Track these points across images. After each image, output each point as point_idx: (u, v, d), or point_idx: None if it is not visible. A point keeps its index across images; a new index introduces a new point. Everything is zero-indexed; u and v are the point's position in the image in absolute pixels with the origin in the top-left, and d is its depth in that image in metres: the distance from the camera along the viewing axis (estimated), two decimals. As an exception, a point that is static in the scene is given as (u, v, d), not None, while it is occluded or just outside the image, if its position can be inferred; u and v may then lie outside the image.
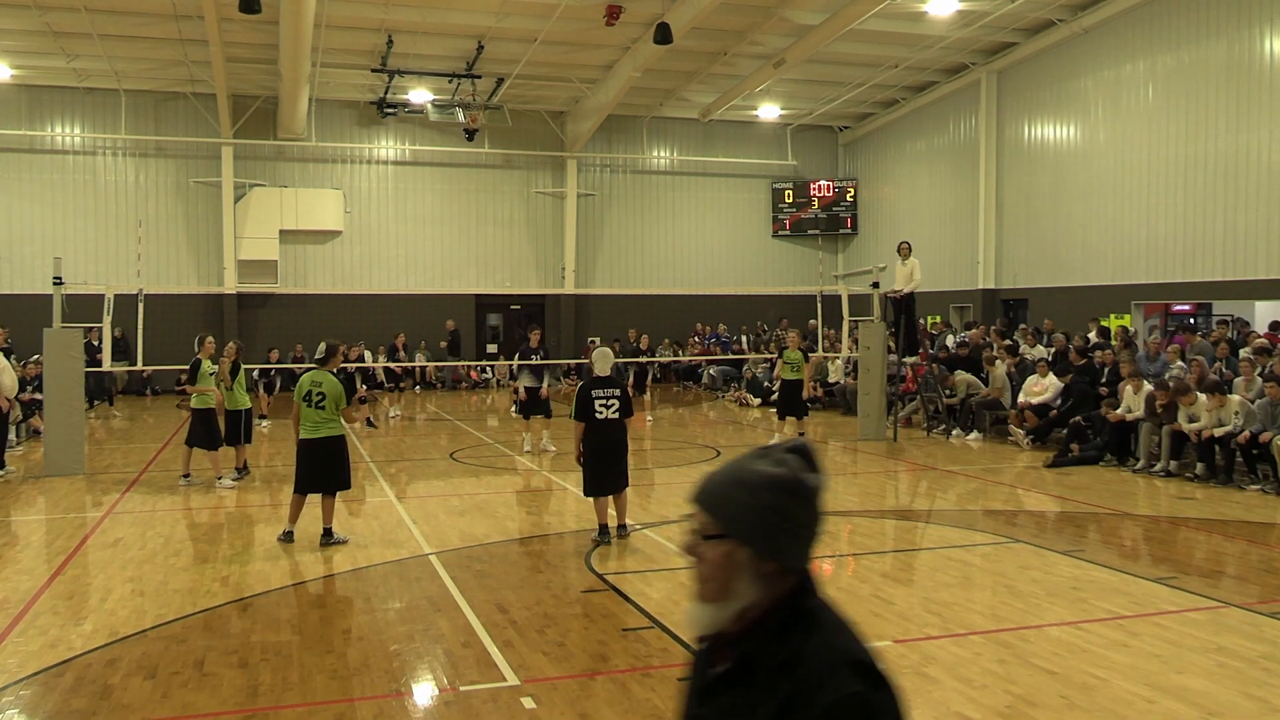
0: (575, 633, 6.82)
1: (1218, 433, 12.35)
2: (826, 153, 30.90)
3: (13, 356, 17.12)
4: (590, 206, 29.00)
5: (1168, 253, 19.06)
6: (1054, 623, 6.88)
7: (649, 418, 20.57)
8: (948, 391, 17.65)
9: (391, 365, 22.38)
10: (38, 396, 15.90)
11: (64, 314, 13.90)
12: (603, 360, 9.40)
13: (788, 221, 30.22)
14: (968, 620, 6.98)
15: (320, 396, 9.17)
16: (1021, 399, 16.23)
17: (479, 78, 23.50)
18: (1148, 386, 13.72)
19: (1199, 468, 12.64)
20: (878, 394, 16.90)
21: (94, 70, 23.51)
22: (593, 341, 27.95)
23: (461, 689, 5.80)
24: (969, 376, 17.50)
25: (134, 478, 13.35)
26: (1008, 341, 18.80)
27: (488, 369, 27.69)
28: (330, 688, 5.84)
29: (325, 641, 6.69)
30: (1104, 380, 15.32)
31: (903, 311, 17.32)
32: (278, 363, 23.22)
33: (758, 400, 22.49)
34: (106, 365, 16.62)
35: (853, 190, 30.01)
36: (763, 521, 1.81)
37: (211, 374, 12.71)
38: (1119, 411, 13.95)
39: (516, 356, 16.24)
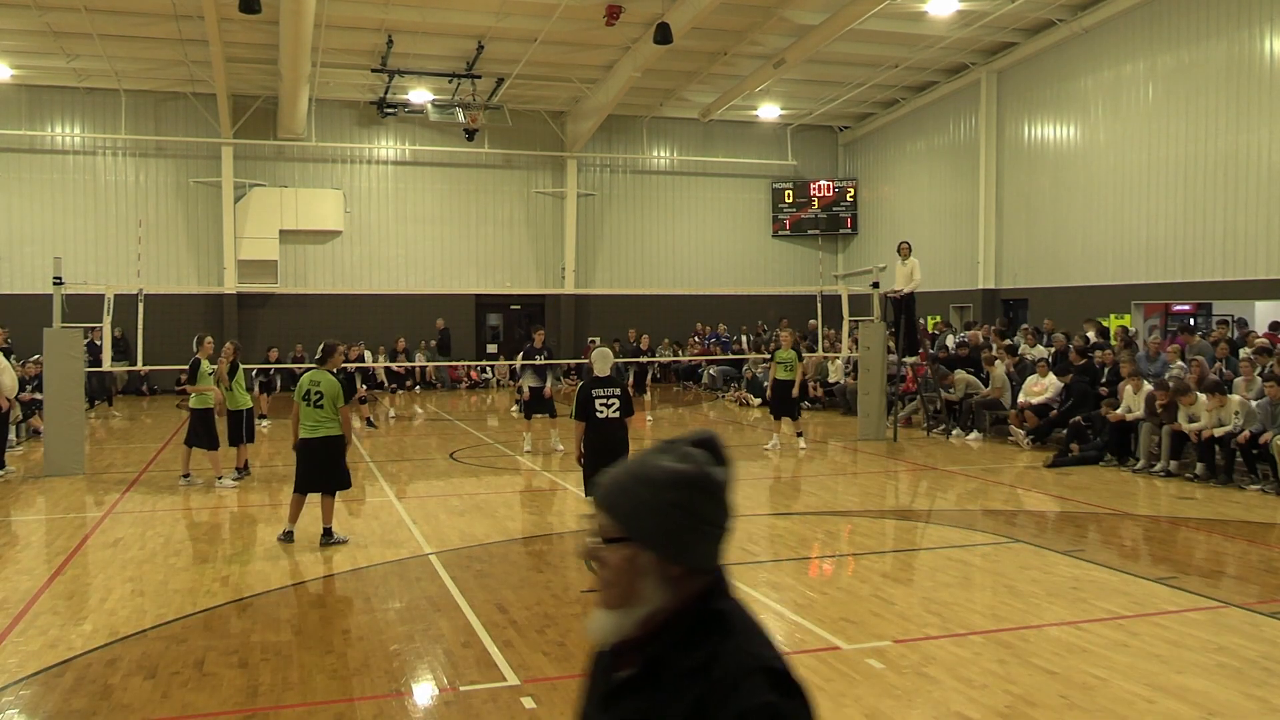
0: (575, 633, 6.82)
1: (1218, 433, 12.35)
2: (826, 153, 30.90)
3: (13, 356, 17.13)
4: (590, 206, 29.00)
5: (1168, 253, 19.06)
6: (1054, 623, 6.88)
7: (649, 418, 20.57)
8: (948, 389, 17.64)
9: (392, 365, 22.41)
10: (38, 396, 15.91)
11: (64, 314, 13.90)
12: (602, 360, 9.43)
13: (788, 221, 30.23)
14: (968, 620, 6.98)
15: (319, 396, 9.19)
16: (1021, 399, 16.23)
17: (479, 78, 23.50)
18: (1148, 386, 13.72)
19: (1199, 468, 12.64)
20: (878, 394, 16.90)
21: (94, 70, 23.51)
22: (593, 341, 27.95)
23: (461, 689, 5.80)
24: (968, 376, 17.51)
25: (134, 478, 13.35)
26: (1007, 341, 18.81)
27: (488, 369, 27.70)
28: (330, 688, 5.84)
29: (325, 641, 6.69)
30: (1104, 380, 15.32)
31: (903, 311, 17.32)
32: (277, 362, 23.22)
33: (758, 400, 22.48)
34: (106, 365, 16.61)
35: (853, 190, 30.02)
36: (667, 521, 1.70)
37: (210, 374, 12.70)
38: (1119, 411, 13.95)
39: (520, 356, 16.23)
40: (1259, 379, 12.80)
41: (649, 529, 1.70)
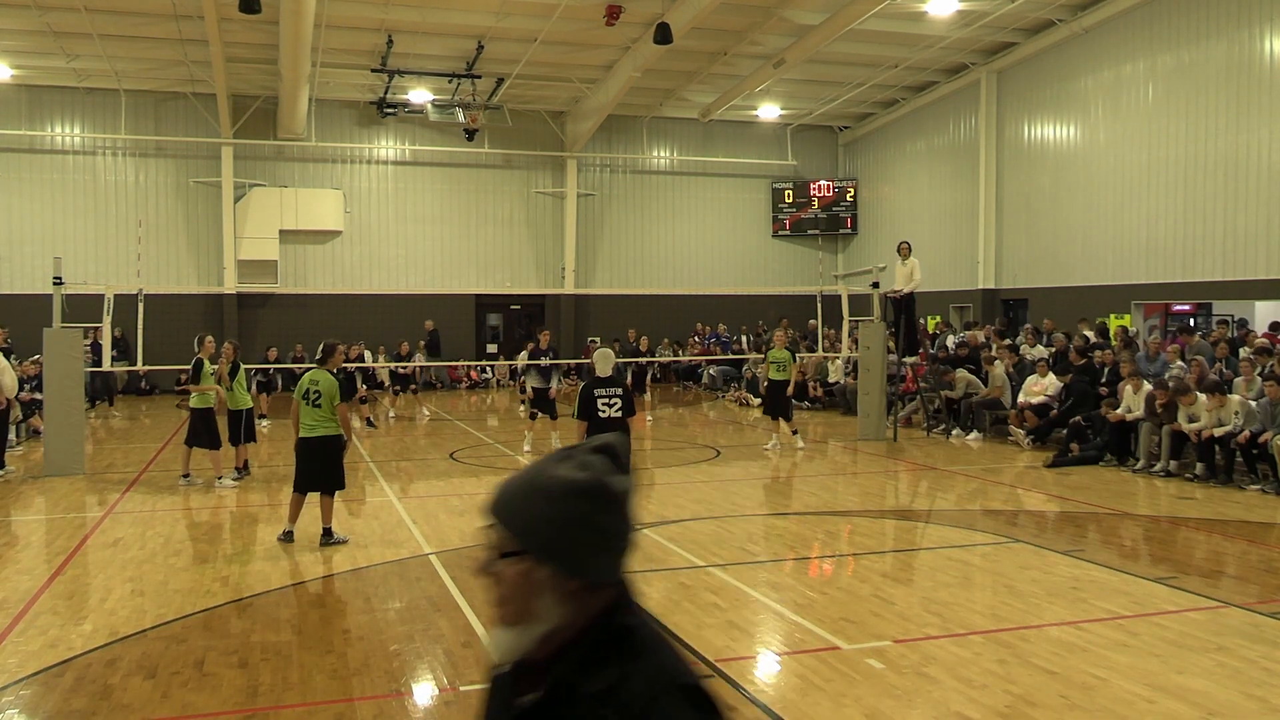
0: (575, 633, 6.80)
1: (1218, 433, 12.35)
2: (826, 153, 30.91)
3: (13, 356, 17.13)
4: (590, 206, 29.01)
5: (1168, 253, 19.06)
6: (1054, 623, 6.88)
7: (649, 418, 20.57)
8: (948, 386, 17.62)
9: (394, 365, 22.37)
10: (38, 396, 15.91)
11: (64, 314, 13.91)
12: (604, 361, 9.50)
13: (788, 221, 30.23)
14: (968, 620, 6.98)
15: (317, 395, 9.23)
16: (1021, 399, 16.23)
17: (479, 78, 23.50)
18: (1148, 386, 13.72)
19: (1199, 468, 12.64)
20: (878, 394, 16.90)
21: (94, 70, 23.51)
22: (593, 341, 27.95)
23: (461, 689, 5.80)
24: (969, 375, 17.51)
25: (134, 478, 13.35)
26: (1007, 341, 18.81)
27: (488, 369, 27.69)
28: (330, 688, 5.84)
29: (325, 641, 6.69)
30: (1104, 380, 15.32)
31: (903, 311, 17.31)
32: (276, 362, 23.22)
33: (757, 400, 22.48)
34: (106, 365, 16.61)
35: (853, 190, 30.02)
36: (564, 534, 1.61)
37: (211, 373, 12.71)
38: (1119, 411, 13.95)
39: (526, 357, 16.22)
40: (1259, 379, 12.80)
41: (545, 542, 1.62)
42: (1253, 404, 12.37)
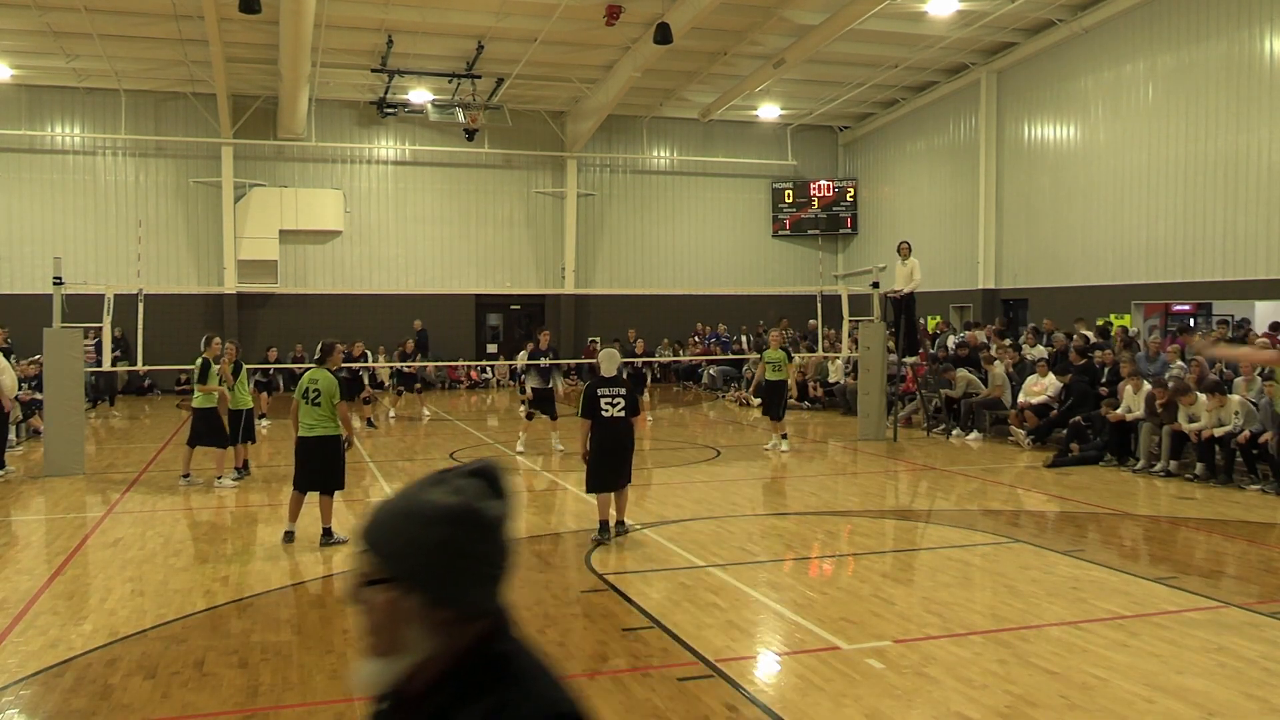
0: (575, 633, 6.82)
1: (1218, 433, 12.35)
2: (826, 153, 30.91)
3: (13, 356, 17.12)
4: (590, 206, 29.01)
5: (1168, 253, 19.06)
6: (1054, 623, 6.88)
7: (649, 418, 20.57)
8: (947, 383, 17.61)
9: (397, 365, 22.37)
10: (38, 396, 15.91)
11: (64, 314, 13.91)
12: (609, 361, 9.59)
13: (788, 221, 30.23)
14: (968, 620, 6.98)
15: (316, 394, 9.24)
16: (1021, 399, 16.23)
17: (479, 78, 23.50)
18: (1147, 386, 13.72)
19: (1199, 468, 12.64)
20: (878, 394, 16.90)
21: (94, 70, 23.51)
22: (593, 341, 27.97)
23: (461, 689, 5.79)
24: (970, 375, 17.51)
25: (134, 478, 13.35)
26: (1007, 341, 18.80)
27: (488, 369, 27.70)
28: (330, 688, 5.84)
29: (325, 641, 6.69)
30: (1104, 380, 15.32)
31: (903, 311, 17.32)
32: (276, 362, 23.21)
33: (758, 400, 22.47)
34: (106, 365, 16.61)
35: (853, 190, 30.02)
36: (433, 561, 1.56)
37: (216, 374, 12.75)
38: (1119, 411, 13.95)
39: (526, 357, 16.25)
40: (1259, 379, 12.80)
41: (413, 569, 1.57)
42: (1255, 405, 12.37)
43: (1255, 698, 5.56)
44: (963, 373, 17.52)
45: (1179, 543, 9.62)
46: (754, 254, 30.14)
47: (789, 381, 15.76)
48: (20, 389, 15.65)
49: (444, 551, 1.57)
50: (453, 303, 27.30)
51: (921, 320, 21.33)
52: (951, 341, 20.32)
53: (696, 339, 27.97)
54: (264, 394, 20.47)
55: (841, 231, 30.33)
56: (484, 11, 20.12)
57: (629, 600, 7.55)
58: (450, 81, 23.75)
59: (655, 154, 29.46)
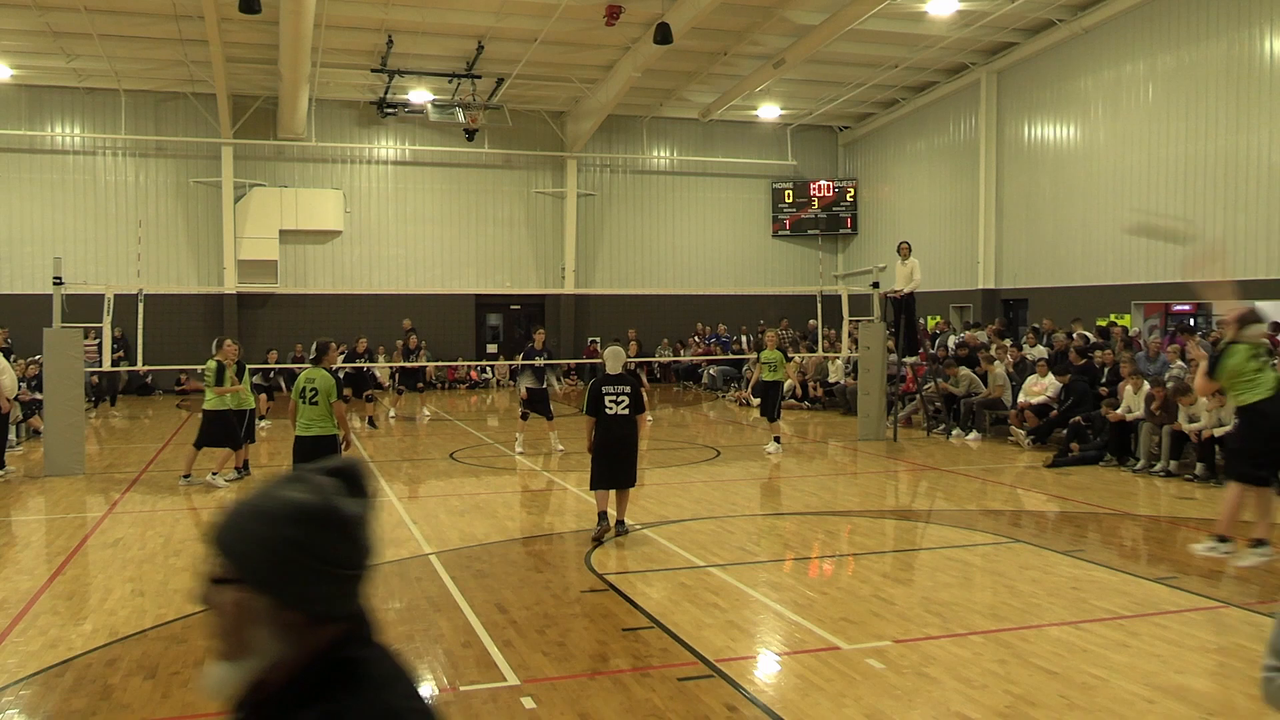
0: (575, 633, 6.82)
1: (1218, 433, 12.35)
2: (826, 153, 30.90)
3: (13, 356, 17.13)
4: (590, 206, 29.00)
5: (1168, 253, 19.05)
6: (1054, 623, 6.88)
7: (649, 418, 20.57)
8: (948, 379, 17.59)
9: (403, 365, 22.38)
10: (38, 396, 15.91)
11: (64, 314, 13.91)
12: (614, 359, 9.71)
13: (788, 221, 30.23)
14: (968, 620, 6.98)
15: (313, 393, 9.27)
16: (1021, 399, 16.23)
17: (479, 78, 23.50)
18: (1147, 386, 13.73)
19: (1199, 468, 12.64)
20: (878, 394, 16.90)
21: (94, 70, 23.51)
22: (593, 341, 27.98)
23: (461, 689, 5.80)
24: (971, 373, 17.51)
25: (134, 478, 13.35)
26: (1007, 341, 18.79)
27: (488, 369, 27.70)
28: (330, 688, 5.82)
29: (325, 641, 6.67)
30: (1104, 380, 15.32)
31: (903, 311, 17.32)
32: (276, 363, 23.20)
33: (758, 400, 22.46)
34: (106, 365, 16.62)
35: (853, 190, 30.02)
36: (282, 562, 1.50)
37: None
38: (1119, 411, 13.95)
39: (520, 357, 16.25)
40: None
41: (261, 570, 1.50)
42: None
43: (1255, 698, 5.55)
44: (965, 371, 17.52)
45: (1179, 543, 9.61)
46: (754, 254, 30.14)
47: (786, 381, 15.67)
48: (20, 388, 15.65)
49: (293, 552, 1.50)
50: (453, 303, 27.30)
51: (921, 320, 21.33)
52: (952, 341, 20.33)
53: (697, 339, 27.97)
54: (263, 395, 20.46)
55: (841, 231, 30.32)
56: (484, 11, 20.12)
57: (629, 600, 7.55)
58: (450, 81, 23.75)
59: (655, 154, 29.46)
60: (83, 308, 15.01)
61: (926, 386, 18.09)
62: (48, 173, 25.15)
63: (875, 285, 17.57)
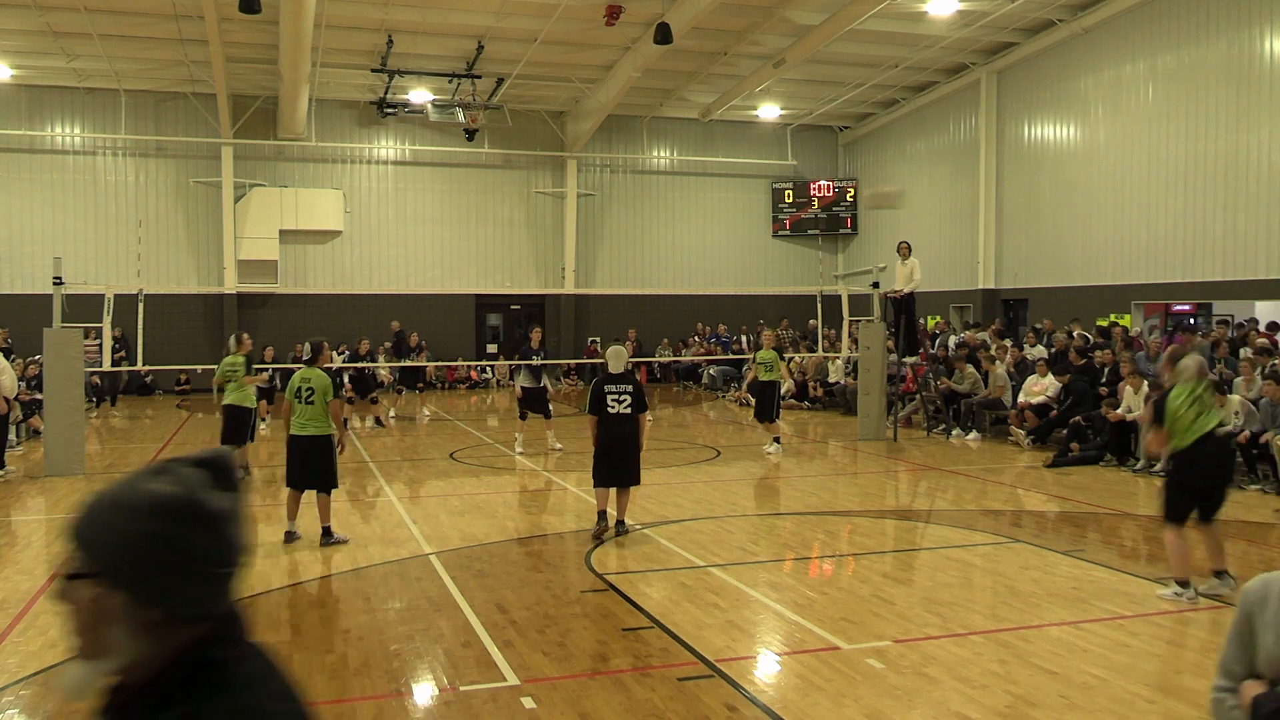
0: (575, 633, 6.82)
1: (1218, 433, 12.32)
2: (826, 153, 30.90)
3: (13, 356, 17.13)
4: (590, 206, 29.00)
5: (1168, 253, 19.06)
6: (1054, 623, 6.88)
7: (649, 418, 20.56)
8: (956, 378, 17.59)
9: (404, 364, 22.41)
10: (38, 396, 15.92)
11: (64, 314, 13.91)
12: (616, 358, 9.76)
13: (788, 221, 30.22)
14: (968, 620, 6.98)
15: (310, 392, 9.27)
16: (1021, 399, 16.23)
17: (479, 78, 23.49)
18: (1147, 386, 13.72)
19: (1199, 468, 12.61)
20: (878, 394, 16.90)
21: (94, 70, 23.51)
22: (593, 341, 27.98)
23: (461, 689, 5.80)
24: (976, 372, 17.52)
25: (134, 478, 13.32)
26: (1008, 341, 18.79)
27: (487, 369, 27.70)
28: (330, 688, 5.84)
29: (325, 641, 6.68)
30: (1104, 380, 15.32)
31: (903, 311, 17.32)
32: (274, 362, 23.17)
33: (754, 399, 22.47)
34: (106, 365, 16.63)
35: (853, 190, 30.01)
36: (140, 557, 1.42)
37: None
38: (1119, 411, 13.95)
39: (517, 356, 16.27)
40: (1259, 379, 12.80)
41: (117, 564, 1.43)
42: (1255, 405, 12.36)
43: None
44: (972, 369, 17.51)
45: (1179, 543, 9.60)
46: (754, 254, 30.13)
47: (781, 381, 15.58)
48: (20, 388, 15.65)
49: (152, 546, 1.43)
50: (453, 303, 27.30)
51: (921, 320, 21.33)
52: (952, 341, 20.33)
53: (697, 339, 27.97)
54: (263, 401, 20.44)
55: (841, 231, 30.32)
56: (484, 11, 20.11)
57: (629, 600, 7.55)
58: (450, 81, 23.74)
59: (655, 154, 29.45)
60: (83, 308, 15.01)
61: (939, 383, 18.03)
62: (48, 173, 25.15)
63: (875, 285, 17.57)
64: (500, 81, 24.47)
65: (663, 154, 29.54)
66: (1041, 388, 15.99)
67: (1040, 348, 18.21)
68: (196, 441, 16.93)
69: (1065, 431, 14.67)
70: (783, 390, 15.89)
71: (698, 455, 15.32)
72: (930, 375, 18.54)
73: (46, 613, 7.34)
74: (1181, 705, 5.44)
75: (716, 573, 8.34)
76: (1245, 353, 14.17)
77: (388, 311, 26.23)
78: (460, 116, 24.46)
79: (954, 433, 17.22)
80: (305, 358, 9.72)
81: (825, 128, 30.55)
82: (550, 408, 15.80)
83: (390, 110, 25.57)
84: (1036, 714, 5.34)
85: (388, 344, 26.18)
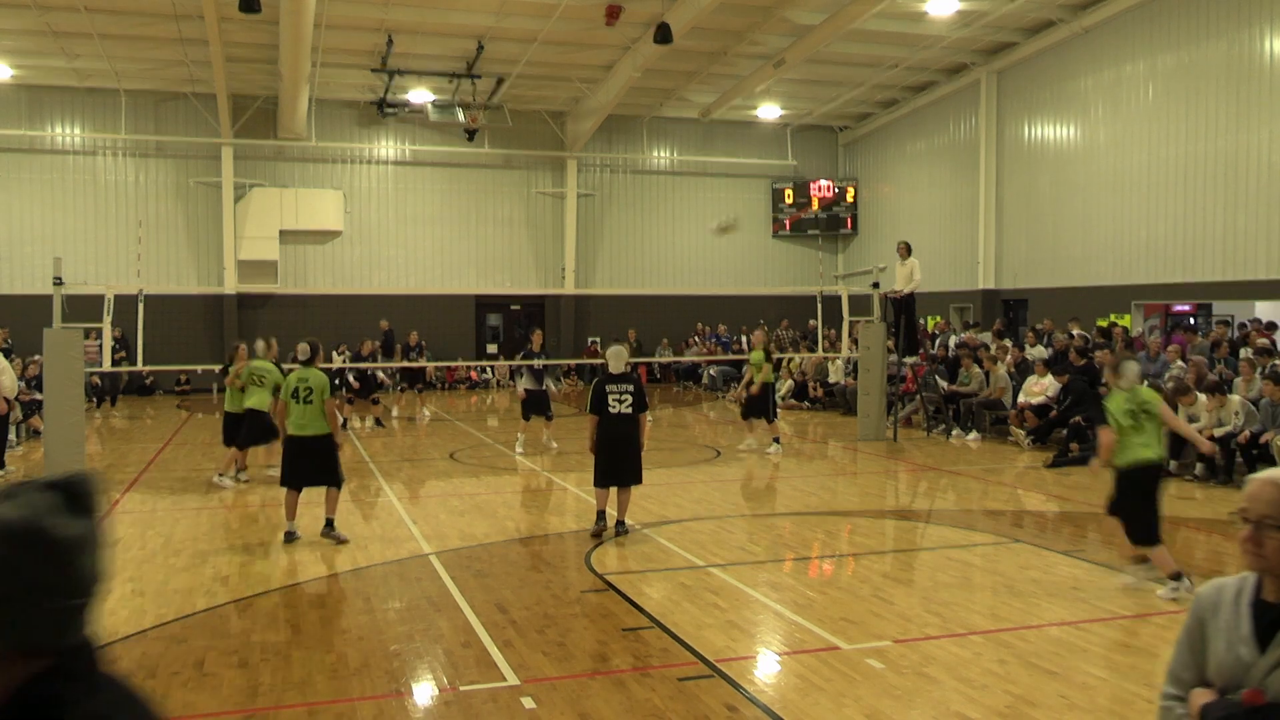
0: (575, 633, 6.82)
1: (1218, 433, 12.35)
2: (826, 153, 30.90)
3: (13, 356, 17.13)
4: (590, 206, 29.00)
5: (1168, 253, 19.06)
6: (1054, 623, 6.88)
7: (649, 418, 20.57)
8: (962, 378, 17.59)
9: (405, 365, 22.37)
10: (38, 396, 15.91)
11: (64, 314, 13.90)
12: (616, 359, 9.78)
13: (788, 221, 30.22)
14: (968, 620, 6.98)
15: (309, 391, 9.28)
16: (1021, 399, 16.23)
17: (479, 78, 23.50)
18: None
19: (1199, 468, 12.64)
20: (878, 394, 16.90)
21: (94, 70, 23.51)
22: (593, 342, 27.98)
23: (461, 689, 5.80)
24: (980, 372, 17.51)
25: (134, 478, 13.35)
26: (1008, 341, 18.79)
27: (487, 369, 27.70)
28: (330, 688, 5.84)
29: (325, 641, 6.68)
30: (1104, 380, 15.29)
31: (903, 312, 17.32)
32: (274, 362, 23.14)
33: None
34: (106, 365, 16.62)
35: (853, 190, 30.01)
36: None
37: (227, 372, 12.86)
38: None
39: (519, 357, 16.27)
40: (1259, 379, 12.80)
41: None
42: (1255, 405, 12.36)
43: (1255, 698, 5.55)
44: (977, 369, 17.49)
45: (1179, 543, 9.61)
46: (754, 254, 30.13)
47: (764, 383, 15.43)
48: (20, 388, 15.65)
49: None
50: (453, 303, 27.30)
51: (921, 320, 21.32)
52: (952, 341, 20.33)
53: (697, 339, 27.97)
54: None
55: (841, 231, 30.32)
56: (484, 11, 20.12)
57: (629, 600, 7.55)
58: (450, 81, 23.74)
59: (655, 154, 29.45)
60: (83, 308, 14.99)
61: (945, 385, 18.02)
62: (48, 173, 25.15)
63: (875, 285, 17.57)
64: (500, 81, 24.48)
65: (663, 154, 29.54)
66: (1041, 388, 15.99)
67: (1040, 348, 18.20)
68: (197, 441, 16.94)
69: (1065, 431, 14.67)
70: (748, 385, 15.83)
71: (698, 455, 15.32)
72: (931, 375, 18.53)
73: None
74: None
75: (716, 573, 8.34)
76: (1245, 353, 14.17)
77: (388, 312, 26.23)
78: (460, 116, 24.46)
79: (954, 433, 17.22)
80: (302, 359, 9.72)
81: (825, 128, 30.55)
82: (551, 409, 15.81)
83: (390, 110, 25.57)
84: (1036, 714, 5.33)
85: (376, 343, 26.17)
